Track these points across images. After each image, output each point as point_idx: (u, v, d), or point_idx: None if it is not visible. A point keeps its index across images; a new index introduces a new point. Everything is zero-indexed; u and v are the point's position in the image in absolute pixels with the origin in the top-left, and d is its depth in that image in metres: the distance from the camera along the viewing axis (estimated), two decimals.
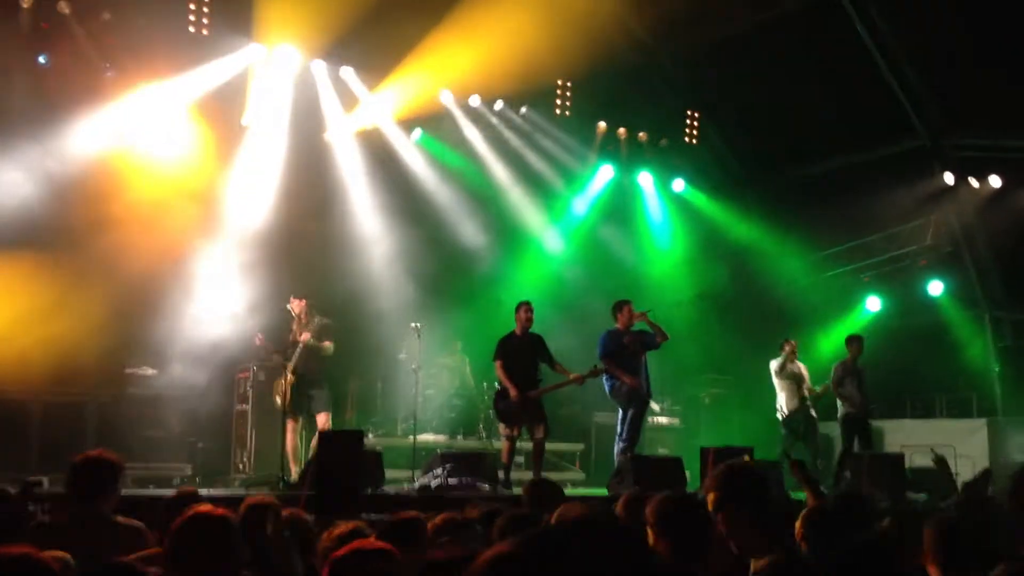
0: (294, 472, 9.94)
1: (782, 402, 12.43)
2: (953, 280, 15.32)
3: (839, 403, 12.26)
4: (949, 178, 14.54)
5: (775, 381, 12.47)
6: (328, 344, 10.64)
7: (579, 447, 13.91)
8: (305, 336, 10.50)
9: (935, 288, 15.38)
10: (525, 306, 10.64)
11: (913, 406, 15.11)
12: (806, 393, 12.44)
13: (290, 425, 10.37)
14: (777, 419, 12.51)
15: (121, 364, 11.02)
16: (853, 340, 12.46)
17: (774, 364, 12.48)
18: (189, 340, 11.22)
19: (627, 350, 10.96)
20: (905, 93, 13.94)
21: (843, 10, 13.08)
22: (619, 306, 11.08)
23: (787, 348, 12.53)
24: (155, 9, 11.46)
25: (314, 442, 9.82)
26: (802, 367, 12.62)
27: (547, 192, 15.08)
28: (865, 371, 12.31)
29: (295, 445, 10.45)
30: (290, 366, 10.38)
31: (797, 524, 4.45)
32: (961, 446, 13.24)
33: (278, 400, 10.52)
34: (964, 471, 11.62)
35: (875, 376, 12.63)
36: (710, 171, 16.00)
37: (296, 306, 10.73)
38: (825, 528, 4.38)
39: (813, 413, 12.48)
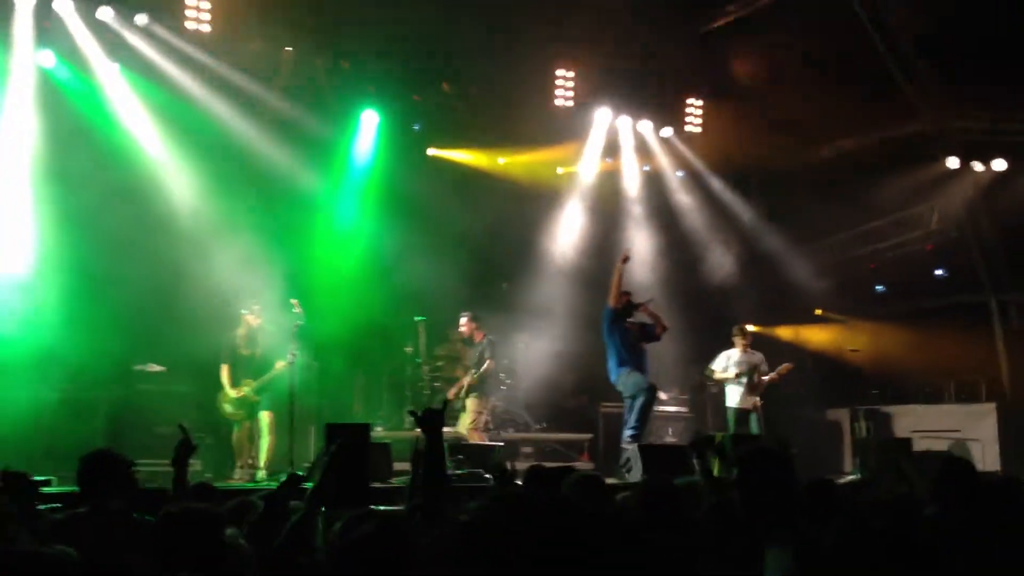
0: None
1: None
2: (959, 264, 15.29)
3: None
4: (953, 162, 14.51)
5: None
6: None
7: (587, 437, 13.92)
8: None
9: (941, 273, 15.35)
10: None
11: (921, 391, 15.08)
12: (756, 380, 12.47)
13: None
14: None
15: (129, 361, 11.08)
16: (740, 332, 12.56)
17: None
18: (195, 336, 11.27)
19: (631, 337, 11.17)
20: (907, 76, 13.90)
21: None
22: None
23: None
24: None
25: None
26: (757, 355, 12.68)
27: None
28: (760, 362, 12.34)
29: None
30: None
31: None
32: (970, 431, 13.25)
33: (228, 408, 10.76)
34: (975, 455, 11.64)
35: (883, 361, 12.64)
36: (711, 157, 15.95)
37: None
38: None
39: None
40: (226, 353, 10.70)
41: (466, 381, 11.79)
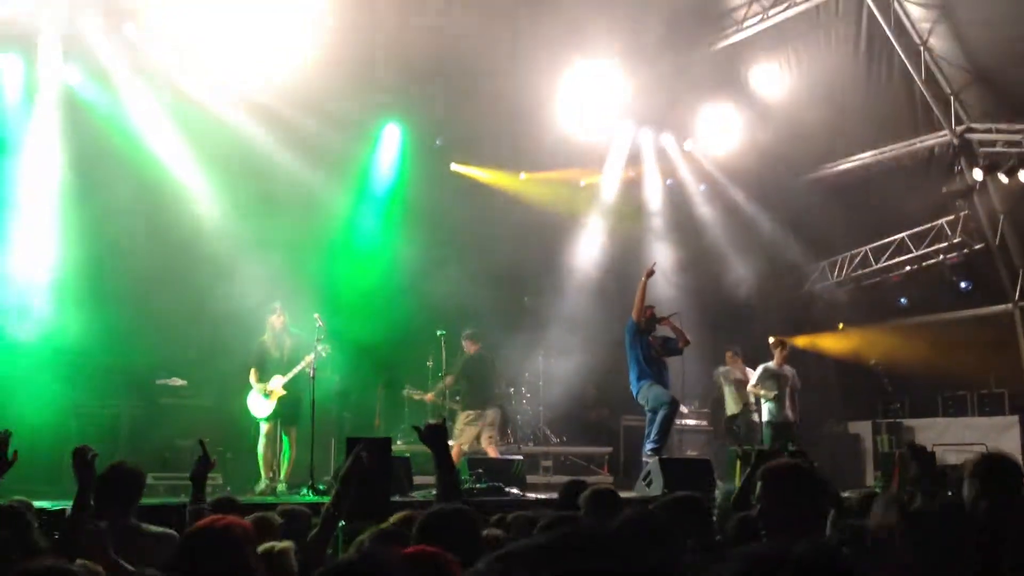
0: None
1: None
2: (983, 276, 15.18)
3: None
4: (978, 174, 14.41)
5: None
6: None
7: (608, 450, 13.91)
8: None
9: (964, 285, 15.24)
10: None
11: (944, 404, 14.98)
12: (749, 397, 12.65)
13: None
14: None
15: (152, 375, 11.17)
16: (779, 344, 12.50)
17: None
18: (216, 350, 11.37)
19: (652, 350, 11.20)
20: (930, 88, 13.86)
21: (865, 2, 13.05)
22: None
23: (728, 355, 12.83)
24: None
25: None
26: (747, 371, 12.74)
27: None
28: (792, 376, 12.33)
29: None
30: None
31: None
32: (994, 443, 13.12)
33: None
34: None
35: (906, 374, 12.57)
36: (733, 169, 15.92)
37: None
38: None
39: (756, 417, 12.72)
40: (254, 357, 10.69)
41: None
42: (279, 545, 3.84)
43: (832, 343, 16.00)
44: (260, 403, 10.63)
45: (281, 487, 10.42)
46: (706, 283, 15.65)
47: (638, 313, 11.23)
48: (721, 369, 13.15)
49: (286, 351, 10.64)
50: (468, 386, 11.88)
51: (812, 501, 3.60)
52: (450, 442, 11.11)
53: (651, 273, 11.31)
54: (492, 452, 11.35)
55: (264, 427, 10.59)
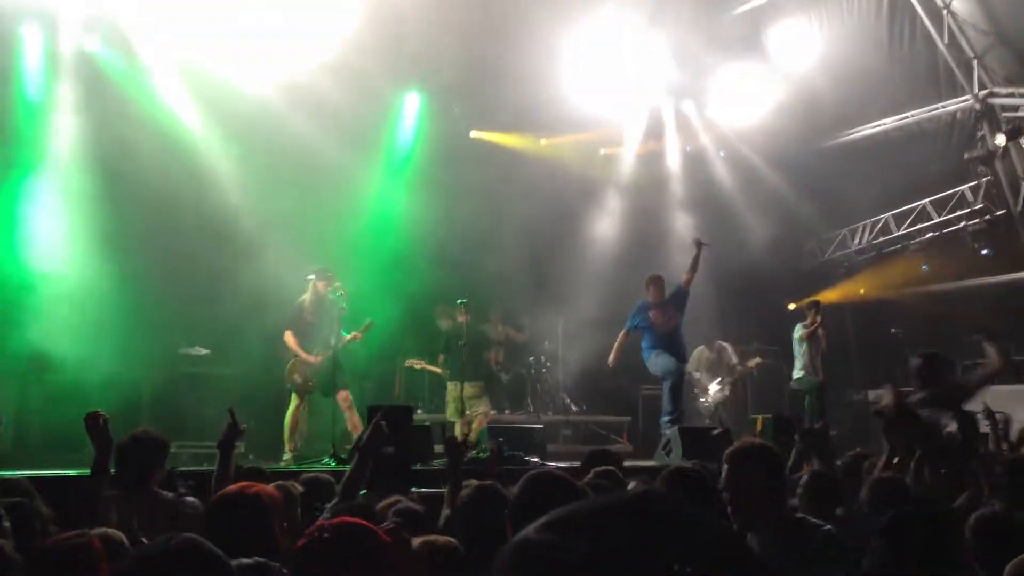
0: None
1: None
2: (1004, 243, 15.06)
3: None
4: (1000, 139, 14.26)
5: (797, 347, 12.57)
6: None
7: (626, 419, 13.94)
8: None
9: (986, 251, 15.14)
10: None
11: (966, 372, 14.89)
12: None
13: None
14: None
15: (175, 344, 11.24)
16: (813, 306, 12.60)
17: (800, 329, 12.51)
18: (240, 319, 11.43)
19: (652, 323, 11.30)
20: (953, 52, 13.70)
21: None
22: (648, 281, 11.53)
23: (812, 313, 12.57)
24: None
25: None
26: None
27: None
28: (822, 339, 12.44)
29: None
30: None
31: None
32: (1014, 411, 13.06)
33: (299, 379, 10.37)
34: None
35: (927, 342, 12.50)
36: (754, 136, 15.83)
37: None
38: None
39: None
40: (291, 318, 10.39)
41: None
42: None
43: (851, 309, 15.97)
44: (301, 376, 10.35)
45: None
46: (726, 250, 15.58)
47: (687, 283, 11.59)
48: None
49: (326, 318, 10.29)
50: (448, 358, 11.75)
51: (772, 482, 3.62)
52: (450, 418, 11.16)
53: (702, 243, 11.64)
54: (477, 426, 11.01)
55: (295, 399, 10.35)
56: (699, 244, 11.65)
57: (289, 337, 10.34)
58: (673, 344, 11.40)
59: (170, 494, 4.71)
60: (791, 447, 6.21)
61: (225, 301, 11.40)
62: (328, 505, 4.26)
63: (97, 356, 10.21)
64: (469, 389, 11.15)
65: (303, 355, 10.27)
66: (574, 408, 14.06)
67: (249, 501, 3.45)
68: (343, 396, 10.33)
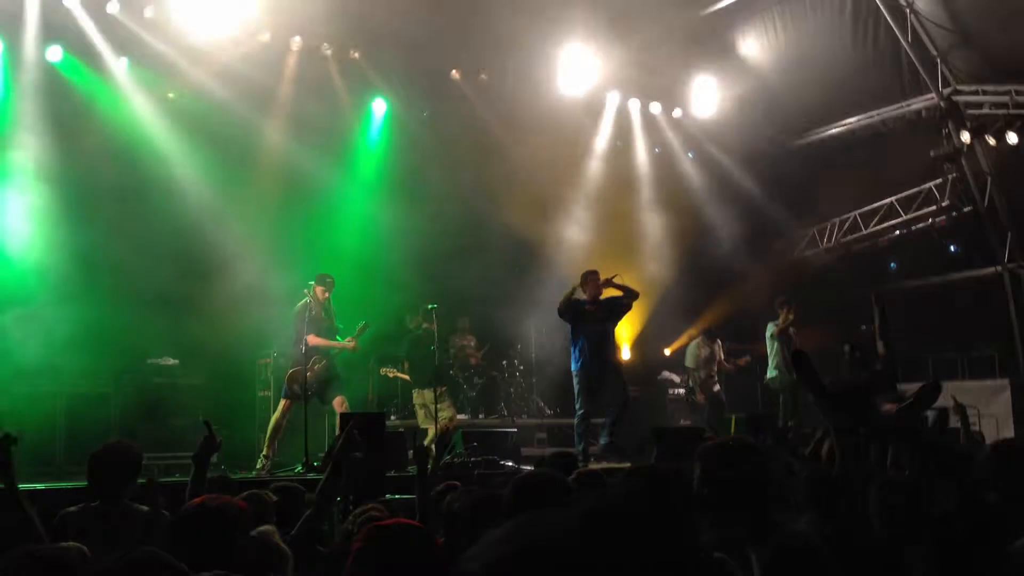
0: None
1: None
2: (972, 239, 15.22)
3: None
4: (965, 136, 14.40)
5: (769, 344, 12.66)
6: None
7: (602, 421, 13.91)
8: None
9: (954, 248, 15.29)
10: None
11: (934, 367, 15.04)
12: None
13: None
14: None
15: (143, 355, 11.13)
16: (784, 303, 12.63)
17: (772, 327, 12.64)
18: (209, 328, 11.33)
19: (589, 317, 10.63)
20: (916, 50, 13.82)
21: None
22: (584, 277, 10.79)
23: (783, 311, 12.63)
24: None
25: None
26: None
27: None
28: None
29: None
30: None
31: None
32: (985, 407, 13.19)
33: (297, 387, 10.21)
34: (989, 432, 11.58)
35: (895, 338, 12.59)
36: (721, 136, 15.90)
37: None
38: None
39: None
40: (304, 323, 10.13)
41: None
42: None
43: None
44: (299, 382, 10.12)
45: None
46: (695, 251, 15.67)
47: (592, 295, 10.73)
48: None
49: (323, 325, 10.25)
50: (413, 364, 11.81)
51: (747, 478, 3.48)
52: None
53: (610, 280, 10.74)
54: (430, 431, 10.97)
55: (284, 403, 10.21)
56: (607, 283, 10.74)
57: (315, 339, 10.19)
58: (602, 346, 10.77)
59: (144, 507, 4.64)
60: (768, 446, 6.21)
61: (193, 311, 11.29)
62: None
63: (65, 368, 10.08)
64: (430, 395, 11.25)
65: (341, 345, 10.30)
66: (548, 411, 14.04)
67: (212, 514, 3.42)
68: (338, 402, 10.30)
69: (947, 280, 15.31)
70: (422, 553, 2.80)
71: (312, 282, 10.32)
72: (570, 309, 10.66)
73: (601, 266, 11.01)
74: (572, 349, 10.76)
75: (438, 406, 11.00)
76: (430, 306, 12.04)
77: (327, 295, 10.36)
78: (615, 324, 11.05)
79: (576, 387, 10.68)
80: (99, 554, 3.41)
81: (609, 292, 10.76)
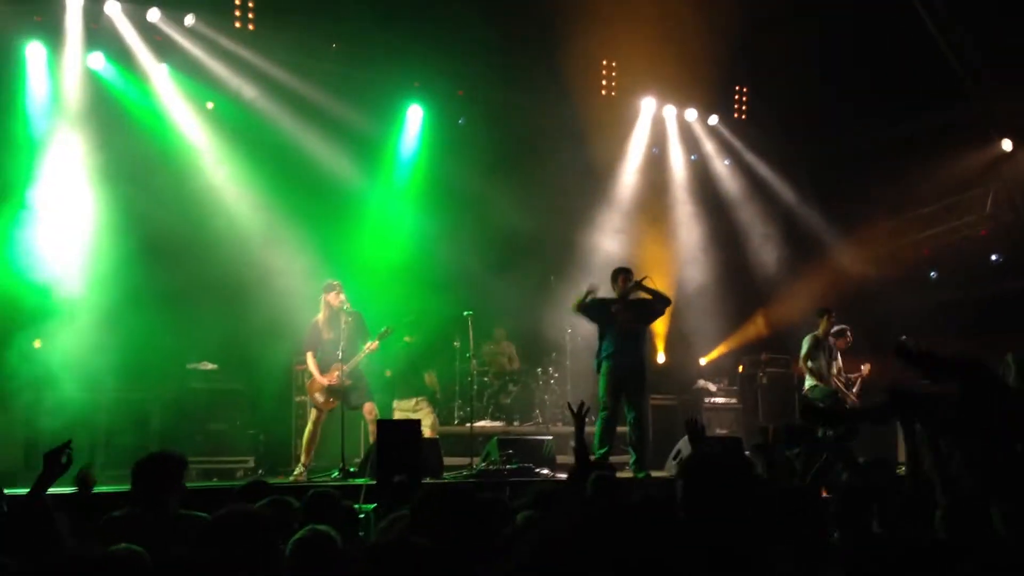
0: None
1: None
2: (1014, 249, 14.99)
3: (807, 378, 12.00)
4: (1007, 144, 14.22)
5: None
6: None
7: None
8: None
9: (995, 258, 15.07)
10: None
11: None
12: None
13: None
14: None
15: (183, 360, 11.22)
16: (824, 313, 12.12)
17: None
18: (247, 333, 11.42)
19: (616, 317, 10.17)
20: (959, 57, 13.65)
21: None
22: (614, 274, 10.38)
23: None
24: None
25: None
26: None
27: None
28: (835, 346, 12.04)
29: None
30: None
31: None
32: None
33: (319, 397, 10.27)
34: None
35: (936, 348, 12.41)
36: (758, 144, 15.81)
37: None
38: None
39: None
40: (310, 340, 10.32)
41: None
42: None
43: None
44: (322, 394, 10.24)
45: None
46: (732, 259, 15.59)
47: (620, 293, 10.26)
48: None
49: (343, 332, 10.18)
50: (399, 374, 11.82)
51: (729, 491, 3.30)
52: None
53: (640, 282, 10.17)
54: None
55: (314, 413, 10.25)
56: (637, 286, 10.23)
57: (310, 359, 10.27)
58: (631, 349, 10.25)
59: (198, 513, 4.66)
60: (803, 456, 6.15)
61: (233, 316, 11.40)
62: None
63: (106, 373, 10.19)
64: (407, 404, 11.39)
65: (319, 377, 10.15)
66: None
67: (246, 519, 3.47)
68: (368, 408, 10.32)
69: (988, 291, 15.07)
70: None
71: (328, 291, 10.33)
72: (592, 307, 10.18)
73: (637, 273, 10.86)
74: (598, 349, 10.33)
75: (417, 416, 10.87)
76: (465, 313, 12.06)
77: (341, 298, 10.27)
78: (645, 326, 10.60)
79: (601, 390, 10.22)
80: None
81: (639, 293, 10.31)
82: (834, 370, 12.05)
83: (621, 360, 10.06)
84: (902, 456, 12.53)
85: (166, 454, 4.87)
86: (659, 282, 10.81)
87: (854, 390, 12.12)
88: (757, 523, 3.25)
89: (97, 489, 5.72)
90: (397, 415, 11.29)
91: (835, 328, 12.04)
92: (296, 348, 11.62)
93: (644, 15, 13.02)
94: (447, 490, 3.78)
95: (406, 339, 11.76)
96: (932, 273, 15.80)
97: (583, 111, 14.08)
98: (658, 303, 10.34)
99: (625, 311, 10.16)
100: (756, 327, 15.37)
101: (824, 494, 5.01)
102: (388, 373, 11.57)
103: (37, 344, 10.14)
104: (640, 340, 10.32)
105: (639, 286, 10.13)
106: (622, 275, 10.26)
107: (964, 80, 13.79)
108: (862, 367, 12.32)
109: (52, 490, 4.61)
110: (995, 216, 14.75)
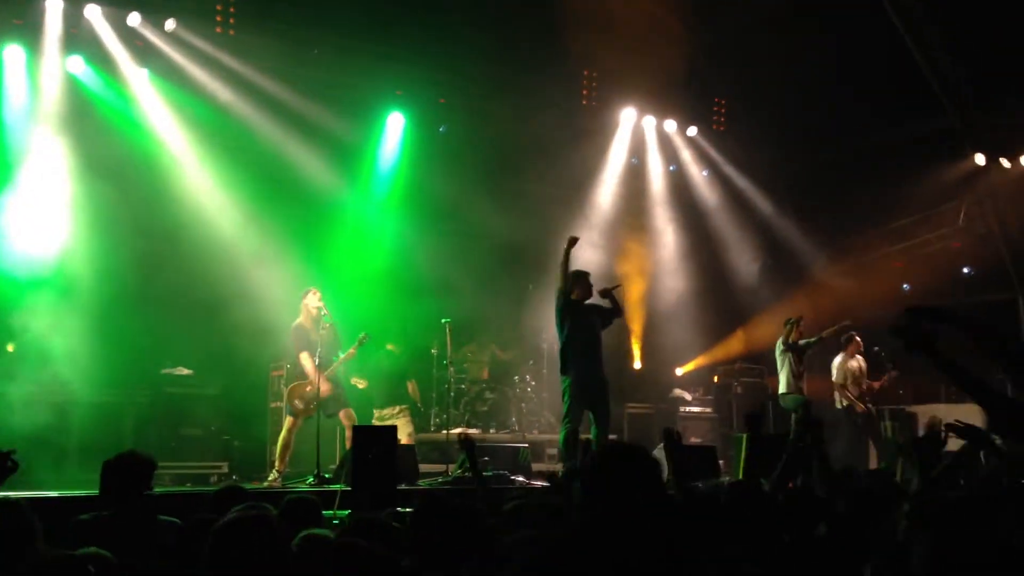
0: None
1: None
2: (986, 262, 15.15)
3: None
4: (980, 159, 14.37)
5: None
6: None
7: (613, 438, 13.90)
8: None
9: (968, 271, 15.22)
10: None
11: (946, 390, 14.96)
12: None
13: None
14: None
15: (158, 364, 11.20)
16: (789, 322, 12.42)
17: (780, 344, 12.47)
18: (223, 339, 11.41)
19: (583, 320, 9.96)
20: (933, 72, 13.79)
21: None
22: (576, 276, 10.08)
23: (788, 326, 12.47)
24: None
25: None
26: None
27: None
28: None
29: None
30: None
31: None
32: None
33: (299, 403, 10.32)
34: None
35: (908, 361, 12.54)
36: (736, 155, 15.91)
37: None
38: None
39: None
40: (301, 342, 10.29)
41: None
42: None
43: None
44: (302, 400, 10.23)
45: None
46: (710, 269, 15.68)
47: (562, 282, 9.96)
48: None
49: (321, 338, 10.18)
50: (378, 383, 11.82)
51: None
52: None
53: (573, 242, 10.08)
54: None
55: (289, 420, 10.29)
56: (605, 292, 10.16)
57: (307, 359, 10.26)
58: (595, 357, 10.03)
59: (167, 518, 4.68)
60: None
61: (209, 321, 11.39)
62: None
63: (80, 377, 10.15)
64: (386, 412, 11.42)
65: (315, 379, 10.10)
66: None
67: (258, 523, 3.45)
68: (345, 414, 10.37)
69: (960, 303, 15.21)
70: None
71: (303, 297, 10.44)
72: (568, 308, 9.93)
73: (613, 283, 10.89)
74: (563, 354, 9.92)
75: (395, 424, 10.80)
76: (443, 320, 12.10)
77: (319, 305, 10.32)
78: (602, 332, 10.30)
79: (566, 398, 9.80)
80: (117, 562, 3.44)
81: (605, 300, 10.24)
82: (842, 377, 12.78)
83: (591, 370, 9.86)
84: (872, 465, 12.73)
85: (135, 455, 4.86)
86: (634, 291, 10.91)
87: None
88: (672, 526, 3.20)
89: (68, 492, 5.73)
90: (376, 424, 11.29)
91: (844, 336, 12.70)
92: (274, 354, 11.65)
93: (625, 26, 13.09)
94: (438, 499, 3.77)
95: (389, 347, 11.79)
96: (905, 285, 15.93)
97: (563, 120, 14.15)
98: (616, 314, 10.26)
99: (590, 315, 10.04)
100: (735, 342, 15.48)
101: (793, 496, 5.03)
102: (362, 384, 11.46)
103: (10, 348, 10.12)
104: (601, 347, 10.11)
105: (608, 294, 10.06)
106: (584, 277, 10.10)
107: (940, 95, 13.93)
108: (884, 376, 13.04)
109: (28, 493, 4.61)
110: (968, 229, 14.90)
